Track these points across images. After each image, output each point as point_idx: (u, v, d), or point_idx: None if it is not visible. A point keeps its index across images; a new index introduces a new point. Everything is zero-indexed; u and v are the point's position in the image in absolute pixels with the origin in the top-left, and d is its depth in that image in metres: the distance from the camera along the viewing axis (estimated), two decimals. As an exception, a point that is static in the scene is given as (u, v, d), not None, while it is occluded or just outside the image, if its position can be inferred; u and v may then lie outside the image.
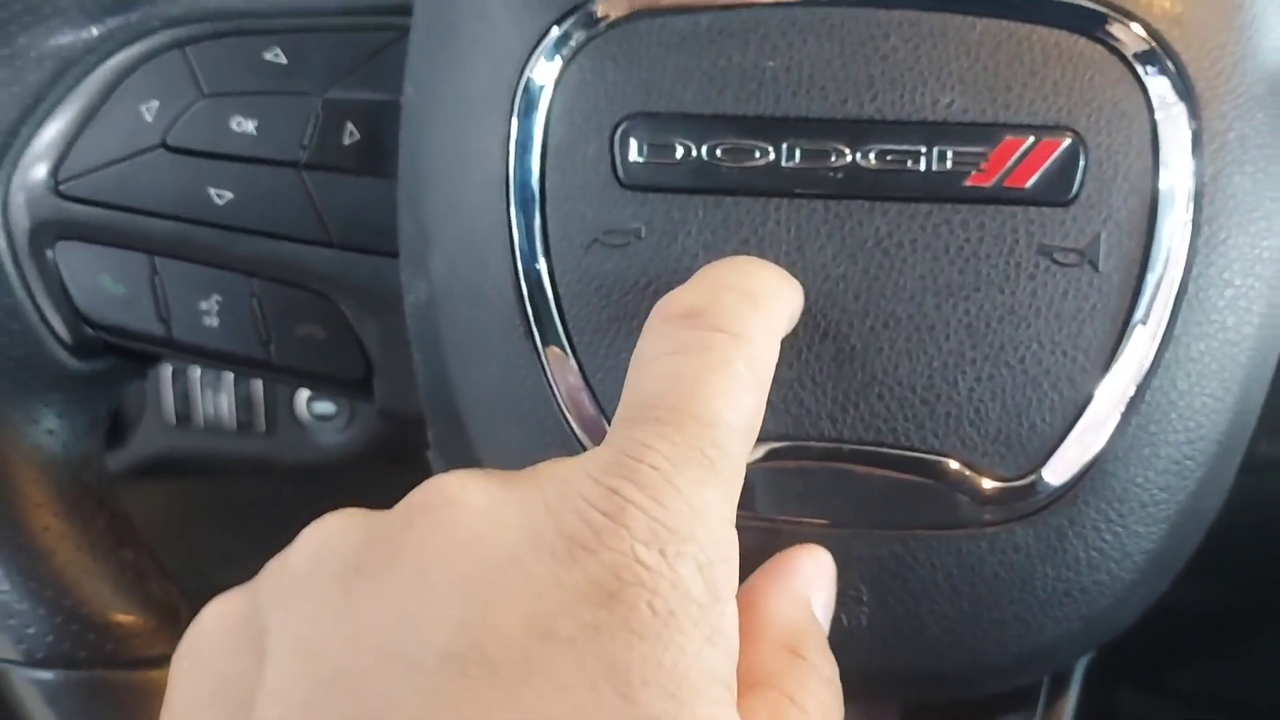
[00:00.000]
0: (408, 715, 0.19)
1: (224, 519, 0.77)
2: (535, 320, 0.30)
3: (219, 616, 0.24)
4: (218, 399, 0.62)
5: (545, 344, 0.30)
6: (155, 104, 0.34)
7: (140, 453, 0.64)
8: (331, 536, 0.23)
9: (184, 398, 0.62)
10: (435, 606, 0.20)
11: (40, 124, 0.34)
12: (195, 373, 0.62)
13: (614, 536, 0.21)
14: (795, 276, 0.29)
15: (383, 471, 0.35)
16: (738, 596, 0.25)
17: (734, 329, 0.25)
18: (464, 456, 0.32)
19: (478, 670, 0.19)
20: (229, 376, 0.62)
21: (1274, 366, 0.31)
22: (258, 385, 0.62)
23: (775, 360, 0.26)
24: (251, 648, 0.22)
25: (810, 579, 0.28)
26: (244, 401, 0.62)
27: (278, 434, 0.63)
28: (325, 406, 0.62)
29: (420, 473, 0.34)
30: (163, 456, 0.64)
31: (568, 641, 0.19)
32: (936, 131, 0.29)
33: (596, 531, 0.21)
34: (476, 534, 0.21)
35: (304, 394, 0.62)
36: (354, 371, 0.35)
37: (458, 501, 0.22)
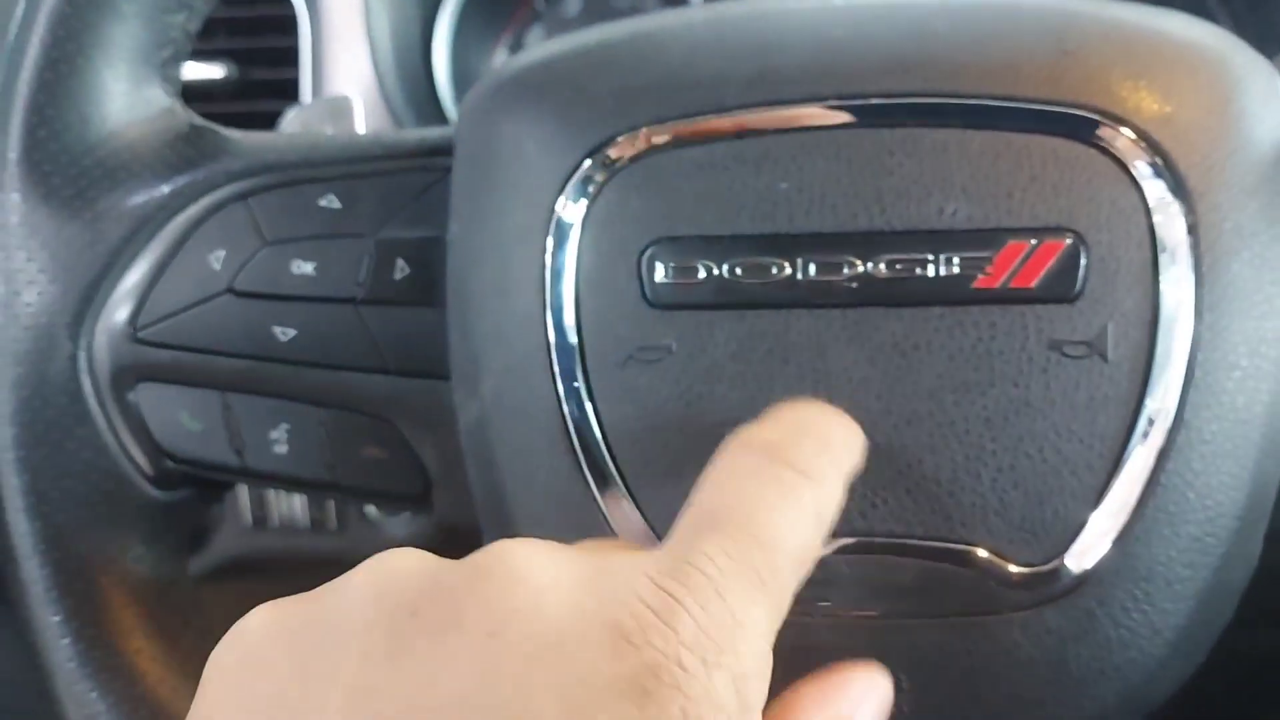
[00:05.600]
0: None
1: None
2: (577, 434, 0.32)
3: (265, 630, 0.23)
4: (291, 501, 0.65)
5: (588, 456, 0.32)
6: (222, 253, 0.36)
7: (220, 554, 0.67)
8: (395, 574, 0.23)
9: (259, 501, 0.65)
10: (478, 674, 0.21)
11: (119, 277, 0.36)
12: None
13: (660, 636, 0.21)
14: (820, 383, 0.31)
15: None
16: (781, 703, 0.26)
17: (808, 470, 0.26)
18: None
19: None
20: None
21: None
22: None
23: (840, 506, 0.27)
24: (295, 667, 0.22)
25: (858, 702, 0.28)
26: (316, 502, 0.65)
27: (349, 531, 0.65)
28: (392, 503, 0.64)
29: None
30: (241, 557, 0.67)
31: None
32: (942, 239, 0.31)
33: (644, 628, 0.21)
34: (531, 609, 0.22)
35: (372, 492, 0.65)
36: (414, 488, 0.37)
37: (519, 573, 0.22)
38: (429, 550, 0.65)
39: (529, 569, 0.23)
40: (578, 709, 0.20)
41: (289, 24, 0.66)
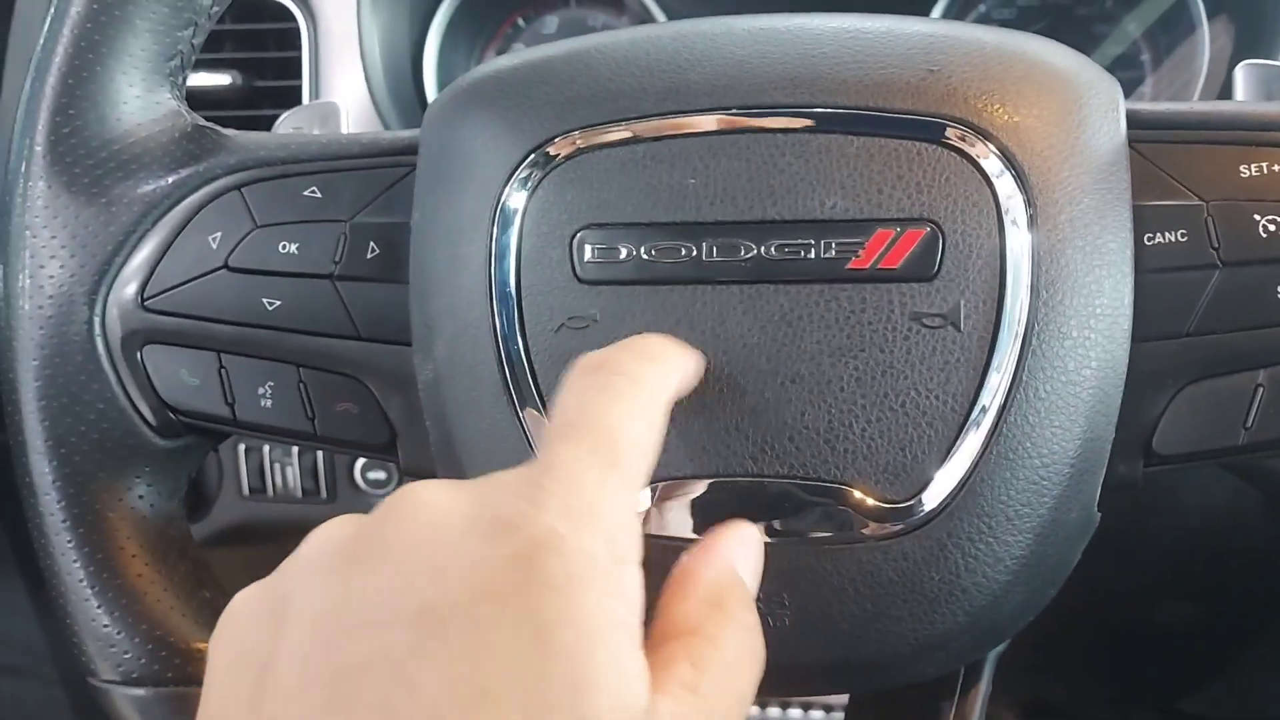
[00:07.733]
0: (388, 662, 0.25)
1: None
2: (516, 390, 0.38)
3: (245, 601, 0.29)
4: (286, 472, 0.71)
5: (524, 408, 0.38)
6: (219, 234, 0.42)
7: (221, 522, 0.73)
8: (331, 534, 0.29)
9: (257, 473, 0.71)
10: (404, 580, 0.26)
11: (130, 254, 0.42)
12: (266, 450, 0.71)
13: (534, 515, 0.26)
14: (719, 346, 0.37)
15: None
16: (676, 566, 0.31)
17: (631, 375, 0.31)
18: None
19: (434, 627, 0.25)
20: (296, 452, 0.71)
21: (1118, 401, 0.37)
22: (320, 459, 0.70)
23: (669, 399, 0.32)
24: (271, 622, 0.28)
25: (734, 546, 0.33)
26: (309, 473, 0.71)
27: (339, 500, 0.71)
28: (378, 474, 0.70)
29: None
30: (240, 524, 0.73)
31: (499, 599, 0.25)
32: (823, 228, 0.36)
33: (519, 513, 0.26)
34: (434, 523, 0.27)
35: (360, 464, 0.71)
36: (382, 438, 0.43)
37: (421, 501, 0.28)
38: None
39: (427, 496, 0.28)
40: (480, 586, 0.26)
41: (293, 37, 0.73)
